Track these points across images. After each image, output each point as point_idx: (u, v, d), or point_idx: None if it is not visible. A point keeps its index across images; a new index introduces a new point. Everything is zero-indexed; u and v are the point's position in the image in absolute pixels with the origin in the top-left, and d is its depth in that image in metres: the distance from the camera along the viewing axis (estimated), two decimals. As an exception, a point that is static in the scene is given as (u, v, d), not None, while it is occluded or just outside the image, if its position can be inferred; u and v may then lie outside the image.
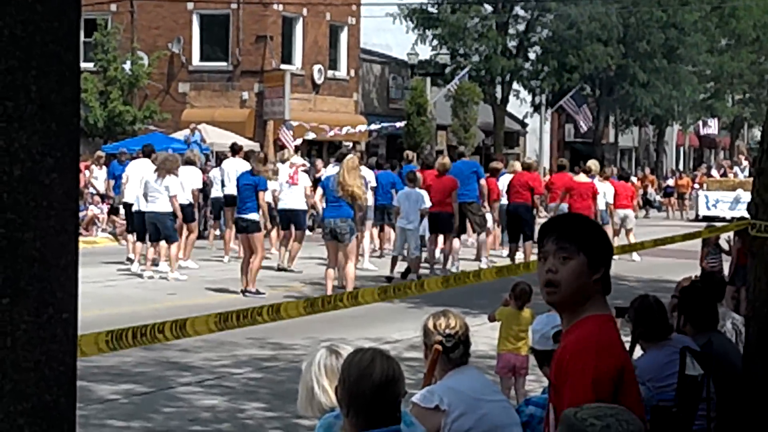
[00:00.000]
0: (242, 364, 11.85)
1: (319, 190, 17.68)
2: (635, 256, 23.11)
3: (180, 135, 34.12)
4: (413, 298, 14.78)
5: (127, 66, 38.09)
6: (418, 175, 20.18)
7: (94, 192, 27.74)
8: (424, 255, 20.45)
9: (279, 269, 20.16)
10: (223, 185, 22.51)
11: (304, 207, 20.70)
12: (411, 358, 10.42)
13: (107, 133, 37.20)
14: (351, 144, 42.01)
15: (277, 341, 12.79)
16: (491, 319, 9.79)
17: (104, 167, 28.73)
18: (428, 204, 19.25)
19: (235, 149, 23.40)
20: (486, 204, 22.17)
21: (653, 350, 6.51)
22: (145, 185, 18.81)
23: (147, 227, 19.04)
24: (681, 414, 6.08)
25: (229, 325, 4.66)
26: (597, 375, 3.46)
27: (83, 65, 33.33)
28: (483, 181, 21.48)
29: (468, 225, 21.67)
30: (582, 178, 22.35)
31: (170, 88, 40.77)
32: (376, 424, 3.82)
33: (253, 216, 17.28)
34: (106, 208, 27.13)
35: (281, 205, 20.06)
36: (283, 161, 21.69)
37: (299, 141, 37.66)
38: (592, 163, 23.66)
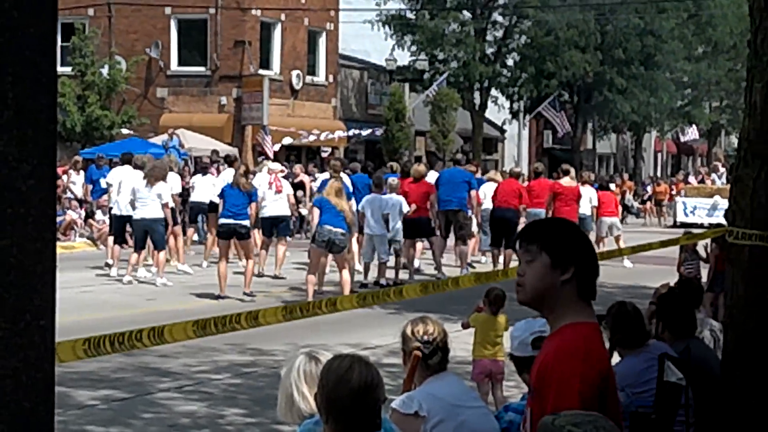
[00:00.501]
0: (222, 369, 11.83)
1: (316, 210, 17.37)
2: (627, 262, 23.29)
3: (158, 140, 34.05)
4: (393, 304, 14.79)
5: (105, 70, 37.98)
6: (394, 181, 20.24)
7: (72, 197, 27.64)
8: (402, 260, 20.46)
9: (260, 275, 20.09)
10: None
11: (288, 213, 20.80)
12: (390, 364, 10.43)
13: (85, 138, 37.08)
14: (329, 149, 42.02)
15: (256, 347, 12.77)
16: (465, 326, 9.77)
17: (82, 172, 28.65)
18: (394, 210, 19.35)
19: (230, 160, 23.44)
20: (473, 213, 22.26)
21: (630, 357, 6.52)
22: (134, 192, 18.81)
23: (135, 233, 19.02)
24: (660, 420, 6.09)
25: (207, 332, 4.64)
26: (583, 382, 3.46)
27: (60, 69, 33.24)
28: (474, 192, 21.52)
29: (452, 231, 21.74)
30: (567, 181, 22.42)
31: (148, 92, 40.69)
32: (355, 430, 3.81)
33: (248, 223, 17.58)
34: (83, 212, 27.02)
35: (265, 212, 20.05)
36: (260, 169, 21.73)
37: (278, 146, 37.63)
38: (569, 167, 23.76)
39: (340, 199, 16.86)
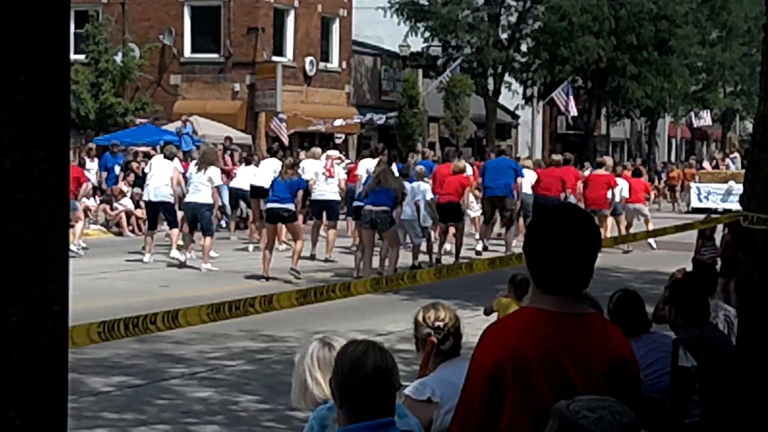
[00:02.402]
0: (235, 356, 11.85)
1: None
2: (652, 242, 23.81)
3: (171, 127, 34.09)
4: (406, 291, 14.81)
5: (119, 58, 38.00)
6: (421, 169, 20.91)
7: (86, 184, 27.66)
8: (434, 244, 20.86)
9: (312, 257, 20.50)
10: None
11: (338, 198, 21.46)
12: (403, 350, 10.42)
13: (99, 125, 37.13)
14: (343, 136, 42.00)
15: (269, 333, 12.79)
16: (488, 312, 9.73)
17: (96, 159, 28.70)
18: (424, 197, 19.70)
19: (273, 151, 25.09)
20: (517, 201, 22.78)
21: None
22: (187, 177, 19.53)
23: (186, 216, 19.63)
24: (674, 405, 6.08)
25: (221, 315, 4.64)
26: (475, 370, 3.42)
27: (74, 57, 33.22)
28: (520, 180, 22.17)
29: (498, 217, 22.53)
30: (599, 171, 23.70)
31: (162, 79, 40.69)
32: (369, 416, 3.81)
33: (292, 206, 18.16)
34: (98, 200, 27.08)
35: (315, 196, 20.69)
36: (316, 156, 22.21)
37: (291, 132, 37.61)
38: (603, 160, 25.17)
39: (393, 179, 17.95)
